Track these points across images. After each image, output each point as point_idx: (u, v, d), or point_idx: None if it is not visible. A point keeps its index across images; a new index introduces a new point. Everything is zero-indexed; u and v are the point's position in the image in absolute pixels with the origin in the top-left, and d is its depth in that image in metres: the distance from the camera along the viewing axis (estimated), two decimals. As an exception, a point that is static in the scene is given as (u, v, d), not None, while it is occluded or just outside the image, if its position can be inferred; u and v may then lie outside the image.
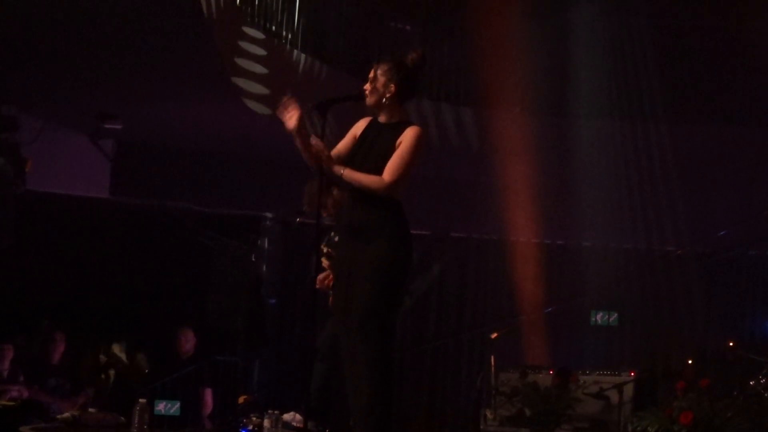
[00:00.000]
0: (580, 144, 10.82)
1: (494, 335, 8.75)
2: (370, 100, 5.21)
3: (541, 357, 10.61)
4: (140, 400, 6.44)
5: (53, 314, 9.94)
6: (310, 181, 6.56)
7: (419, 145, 5.10)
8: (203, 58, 8.75)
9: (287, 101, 5.11)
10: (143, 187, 11.05)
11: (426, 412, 11.55)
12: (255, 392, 10.89)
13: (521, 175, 10.79)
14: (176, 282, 11.04)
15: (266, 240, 11.93)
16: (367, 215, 5.10)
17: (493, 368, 8.37)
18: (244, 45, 9.24)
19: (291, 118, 5.07)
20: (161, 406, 9.43)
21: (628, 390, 7.80)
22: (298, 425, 6.58)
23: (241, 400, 8.60)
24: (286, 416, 6.68)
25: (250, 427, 6.98)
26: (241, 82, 9.39)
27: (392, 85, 5.15)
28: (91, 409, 7.50)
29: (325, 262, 6.71)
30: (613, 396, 7.83)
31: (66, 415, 7.13)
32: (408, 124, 5.17)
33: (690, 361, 8.88)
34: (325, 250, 6.65)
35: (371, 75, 5.19)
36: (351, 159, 5.18)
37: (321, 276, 6.64)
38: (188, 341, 10.26)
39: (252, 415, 7.30)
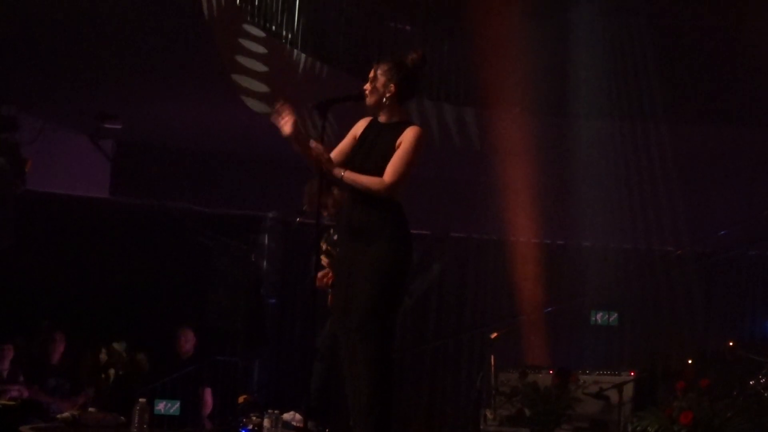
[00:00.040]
0: (580, 144, 10.82)
1: (494, 335, 8.75)
2: (370, 100, 5.21)
3: (541, 357, 10.61)
4: (140, 400, 6.44)
5: (53, 314, 9.94)
6: (310, 181, 6.56)
7: (419, 146, 5.10)
8: (203, 58, 8.75)
9: (281, 107, 5.08)
10: (143, 187, 11.04)
11: (426, 412, 11.54)
12: (255, 392, 10.88)
13: (521, 175, 10.78)
14: (176, 282, 11.04)
15: (266, 240, 11.92)
16: (368, 216, 5.10)
17: (493, 368, 8.37)
18: (245, 42, 9.24)
19: (286, 124, 5.05)
20: (161, 406, 9.43)
21: (628, 390, 7.80)
22: (298, 425, 6.58)
23: (241, 400, 8.60)
24: (286, 416, 6.68)
25: (250, 427, 6.98)
26: (241, 80, 9.39)
27: (392, 85, 5.15)
28: (91, 409, 7.50)
29: (324, 260, 6.71)
30: (613, 396, 7.82)
31: (66, 415, 7.13)
32: (408, 124, 5.17)
33: (690, 361, 8.87)
34: (324, 247, 6.65)
35: (371, 75, 5.20)
36: (351, 159, 5.18)
37: (320, 274, 6.65)
38: (188, 341, 10.26)
39: (252, 415, 7.30)
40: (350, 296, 5.09)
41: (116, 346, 9.91)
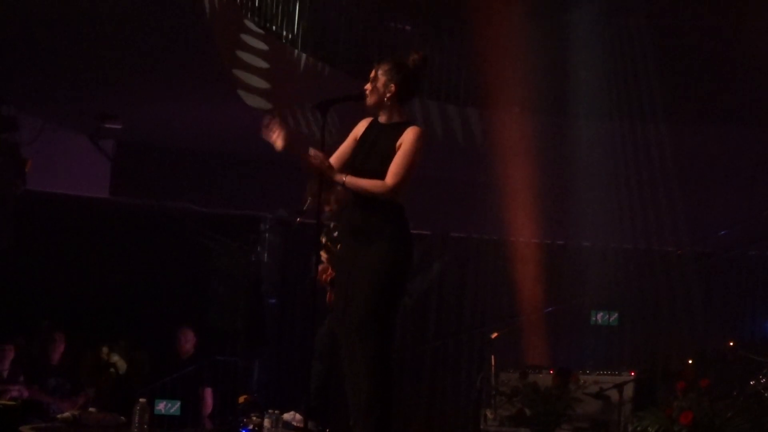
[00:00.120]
0: (580, 144, 10.82)
1: (494, 335, 8.75)
2: (370, 100, 5.20)
3: (541, 357, 10.62)
4: (140, 400, 6.44)
5: (53, 314, 9.94)
6: (312, 178, 6.55)
7: (420, 146, 5.10)
8: (203, 58, 8.74)
9: (269, 122, 5.08)
10: (143, 187, 11.03)
11: (426, 412, 11.54)
12: (255, 392, 10.88)
13: (521, 175, 10.78)
14: (176, 282, 11.04)
15: (266, 240, 11.93)
16: (369, 216, 5.10)
17: (493, 368, 8.37)
18: (245, 38, 9.24)
19: (277, 138, 5.05)
20: (161, 406, 9.43)
21: (628, 390, 7.80)
22: (298, 425, 6.58)
23: (241, 400, 8.60)
24: (286, 416, 6.68)
25: (250, 427, 6.99)
26: (242, 75, 9.39)
27: (392, 85, 5.15)
28: (91, 409, 7.50)
29: (324, 255, 6.71)
30: (614, 396, 7.82)
31: (66, 415, 7.14)
32: (408, 124, 5.17)
33: (690, 361, 8.87)
34: (323, 241, 6.64)
35: (372, 75, 5.19)
36: (352, 160, 5.18)
37: (320, 268, 6.66)
38: (188, 341, 10.26)
39: (252, 415, 7.30)
40: (350, 296, 5.09)
41: (117, 347, 9.92)
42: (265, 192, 11.47)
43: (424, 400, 11.67)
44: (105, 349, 9.83)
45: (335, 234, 6.48)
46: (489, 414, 8.11)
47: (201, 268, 11.04)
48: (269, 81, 9.64)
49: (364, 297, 5.04)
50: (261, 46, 9.41)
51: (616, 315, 10.73)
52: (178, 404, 9.57)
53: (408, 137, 5.09)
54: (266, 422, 6.35)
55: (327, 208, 6.73)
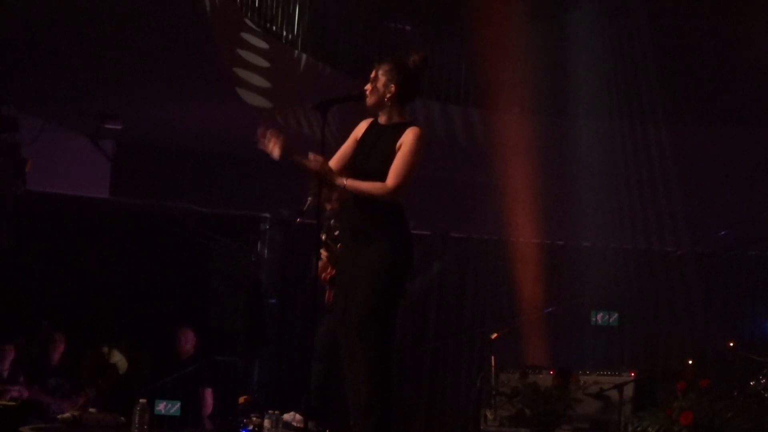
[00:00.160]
0: (580, 144, 10.82)
1: (494, 335, 8.76)
2: (370, 100, 5.21)
3: (541, 357, 10.61)
4: (140, 400, 6.44)
5: (53, 314, 9.93)
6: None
7: (420, 147, 5.10)
8: (203, 58, 8.74)
9: (264, 133, 5.08)
10: (143, 187, 11.03)
11: (426, 412, 11.54)
12: (255, 392, 10.88)
13: (521, 175, 10.78)
14: (176, 282, 11.04)
15: (266, 240, 11.93)
16: (368, 218, 5.11)
17: (493, 368, 8.37)
18: (246, 36, 9.23)
19: (274, 148, 5.05)
20: (161, 406, 9.43)
21: (628, 390, 7.80)
22: (298, 425, 6.58)
23: (241, 400, 8.60)
24: (286, 416, 6.68)
25: (250, 427, 6.98)
26: (242, 74, 9.39)
27: (393, 85, 5.15)
28: (91, 409, 7.50)
29: (323, 253, 6.71)
30: (614, 396, 7.82)
31: (66, 415, 7.14)
32: (408, 124, 5.17)
33: (690, 362, 8.87)
34: (323, 237, 6.64)
35: (372, 75, 5.20)
36: (352, 161, 5.18)
37: (320, 265, 6.66)
38: (188, 341, 10.26)
39: (252, 415, 7.30)
40: (350, 296, 5.10)
41: (117, 350, 9.93)
42: (265, 192, 11.47)
43: (424, 400, 11.67)
44: (105, 349, 9.85)
45: (336, 233, 6.48)
46: (489, 414, 8.11)
47: (201, 268, 11.03)
48: (269, 80, 9.64)
49: (364, 297, 5.04)
50: (261, 45, 9.40)
51: (616, 315, 10.72)
52: (178, 404, 9.57)
53: (408, 138, 5.09)
54: (266, 422, 6.35)
55: (328, 206, 6.74)
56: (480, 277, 12.08)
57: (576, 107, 10.78)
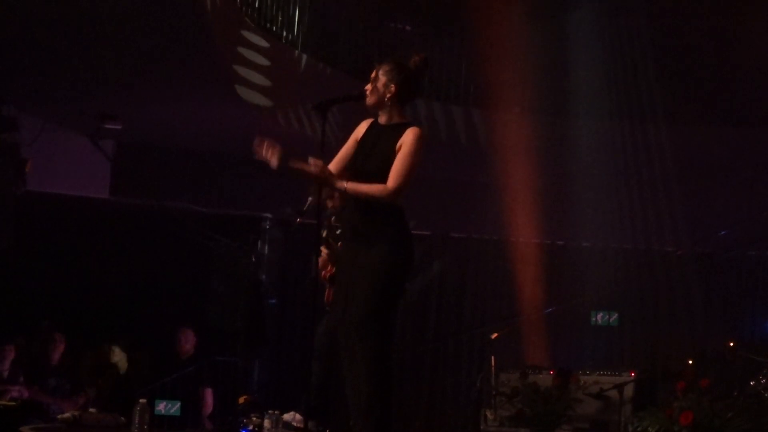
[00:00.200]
0: (580, 144, 10.82)
1: (494, 335, 8.76)
2: (370, 100, 5.21)
3: (541, 357, 10.61)
4: (140, 400, 6.44)
5: (53, 314, 9.94)
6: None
7: (420, 147, 5.10)
8: (203, 58, 8.74)
9: (260, 143, 5.08)
10: (143, 187, 11.03)
11: (426, 412, 11.54)
12: (255, 392, 10.88)
13: (521, 175, 10.78)
14: (176, 282, 11.04)
15: (266, 240, 11.93)
16: (368, 219, 5.11)
17: (493, 368, 8.37)
18: (246, 34, 9.23)
19: (272, 157, 5.05)
20: (161, 406, 9.43)
21: (628, 390, 7.80)
22: (298, 425, 6.58)
23: (241, 400, 8.60)
24: (286, 416, 6.68)
25: (250, 427, 6.98)
26: (242, 72, 9.39)
27: (393, 85, 5.15)
28: (91, 409, 7.50)
29: (324, 251, 6.71)
30: (613, 396, 7.82)
31: (66, 415, 7.13)
32: (408, 125, 5.17)
33: (690, 362, 8.87)
34: (324, 234, 6.64)
35: (373, 75, 5.20)
36: (353, 162, 5.18)
37: (320, 262, 6.66)
38: (188, 341, 10.26)
39: (252, 415, 7.30)
40: (350, 296, 5.10)
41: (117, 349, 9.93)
42: (265, 192, 11.46)
43: (424, 400, 11.68)
44: (105, 349, 9.85)
45: (337, 231, 6.48)
46: (489, 414, 8.11)
47: (201, 268, 11.03)
48: (269, 80, 9.64)
49: (364, 297, 5.04)
50: (262, 43, 9.40)
51: (616, 315, 10.72)
52: (178, 404, 9.57)
53: (408, 138, 5.09)
54: (266, 422, 6.35)
55: (330, 204, 6.75)
56: (480, 277, 12.08)
57: (576, 107, 10.78)
